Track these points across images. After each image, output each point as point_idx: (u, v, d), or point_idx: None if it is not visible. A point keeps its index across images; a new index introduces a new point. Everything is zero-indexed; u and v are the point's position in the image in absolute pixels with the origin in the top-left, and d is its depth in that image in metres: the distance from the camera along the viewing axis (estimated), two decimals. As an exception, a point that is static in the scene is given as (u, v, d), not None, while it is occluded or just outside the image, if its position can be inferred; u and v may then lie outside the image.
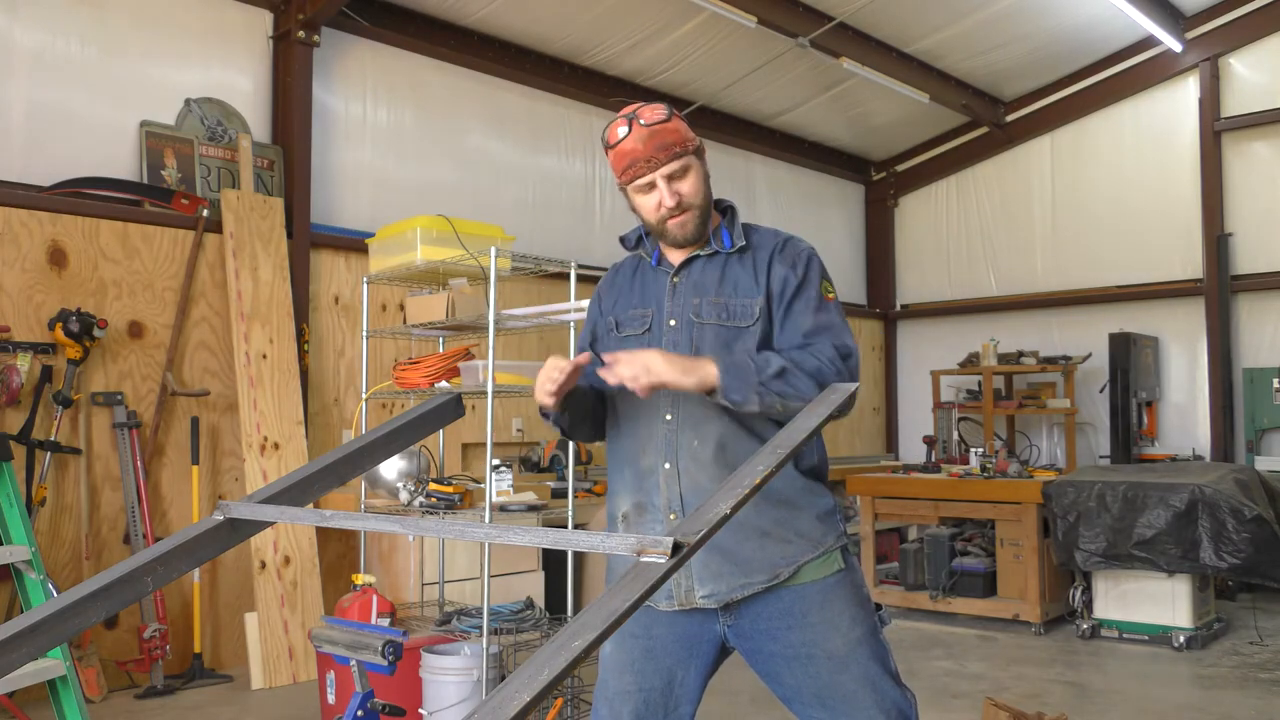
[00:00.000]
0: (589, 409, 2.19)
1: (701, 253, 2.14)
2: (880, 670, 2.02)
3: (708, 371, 1.94)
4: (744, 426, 2.04)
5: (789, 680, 2.04)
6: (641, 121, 2.04)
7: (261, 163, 5.60)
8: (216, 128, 5.48)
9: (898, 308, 10.07)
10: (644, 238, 2.22)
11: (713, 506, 1.38)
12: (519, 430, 6.57)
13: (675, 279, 2.15)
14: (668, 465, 2.07)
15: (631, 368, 1.92)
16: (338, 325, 5.92)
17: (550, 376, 2.01)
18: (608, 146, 2.10)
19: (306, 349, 5.64)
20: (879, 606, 2.13)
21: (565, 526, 4.38)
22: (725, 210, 2.20)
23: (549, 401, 2.04)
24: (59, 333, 4.66)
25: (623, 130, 2.06)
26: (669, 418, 2.08)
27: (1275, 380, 7.66)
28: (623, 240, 2.27)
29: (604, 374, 1.98)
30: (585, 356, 2.06)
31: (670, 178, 2.05)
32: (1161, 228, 8.37)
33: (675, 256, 2.17)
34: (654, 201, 2.07)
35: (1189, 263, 8.24)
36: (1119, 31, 8.01)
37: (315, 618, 5.01)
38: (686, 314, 2.11)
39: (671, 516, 2.06)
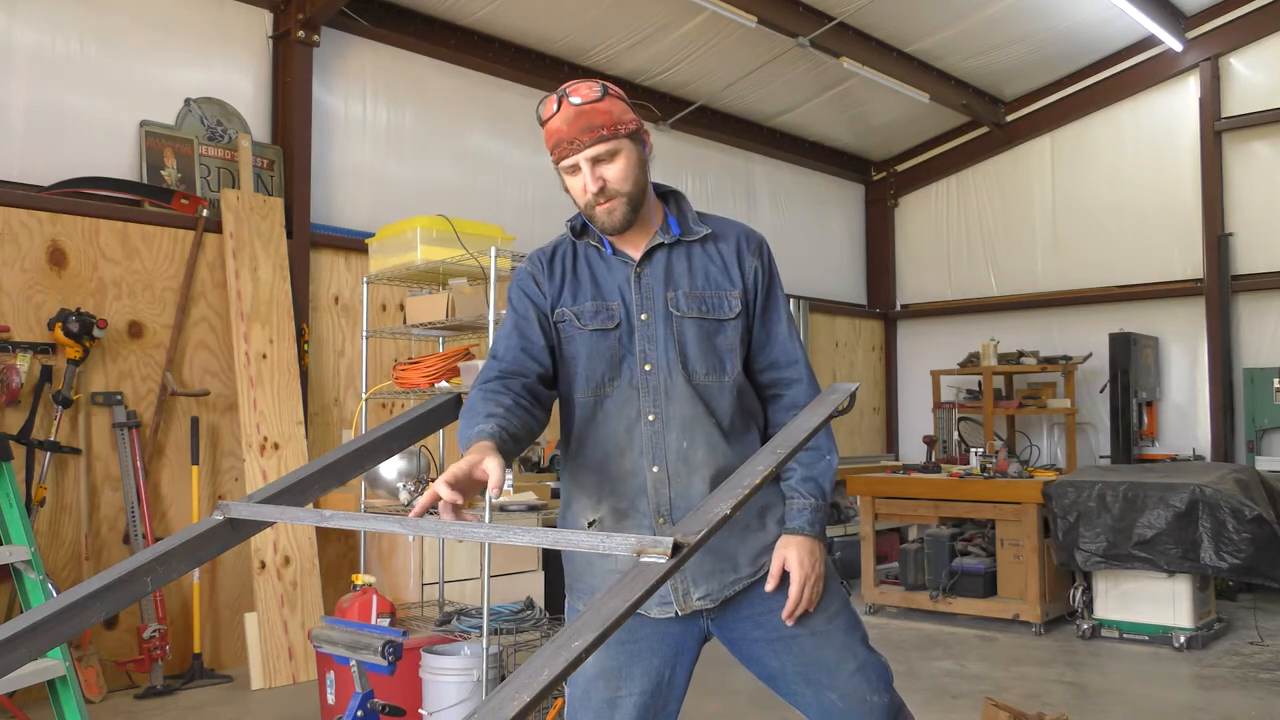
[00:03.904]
0: (518, 449, 1.90)
1: (664, 240, 2.05)
2: (858, 639, 2.06)
3: (819, 546, 2.03)
4: (725, 423, 2.03)
5: (773, 663, 2.04)
6: (572, 100, 1.93)
7: (261, 163, 5.60)
8: (216, 128, 5.48)
9: (898, 308, 10.07)
10: (589, 223, 2.09)
11: (712, 506, 1.38)
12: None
13: (639, 269, 2.04)
14: (656, 468, 1.99)
15: (813, 590, 1.99)
16: (338, 325, 5.92)
17: (445, 506, 1.66)
18: (540, 123, 1.99)
19: (306, 349, 5.64)
20: (840, 581, 2.17)
21: (565, 526, 4.37)
22: (666, 196, 2.11)
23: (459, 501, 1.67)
24: (59, 333, 4.65)
25: (553, 107, 1.95)
26: (652, 418, 2.00)
27: (1275, 380, 7.65)
28: (571, 225, 2.11)
29: (787, 618, 1.99)
30: (480, 467, 1.70)
31: (595, 161, 1.93)
32: (1161, 228, 8.36)
33: (630, 246, 2.06)
34: (579, 185, 1.96)
35: (1189, 263, 8.24)
36: (1119, 31, 8.01)
37: (315, 618, 5.01)
38: (660, 307, 2.02)
39: (660, 521, 1.99)
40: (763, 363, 2.10)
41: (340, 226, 5.97)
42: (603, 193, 1.95)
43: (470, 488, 1.71)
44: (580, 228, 2.11)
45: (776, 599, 2.02)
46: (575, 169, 1.96)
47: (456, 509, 1.65)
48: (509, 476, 3.97)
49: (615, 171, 1.95)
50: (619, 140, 1.94)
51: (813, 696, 2.03)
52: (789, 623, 1.97)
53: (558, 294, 2.07)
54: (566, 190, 2.03)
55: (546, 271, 2.09)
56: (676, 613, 2.03)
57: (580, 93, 1.94)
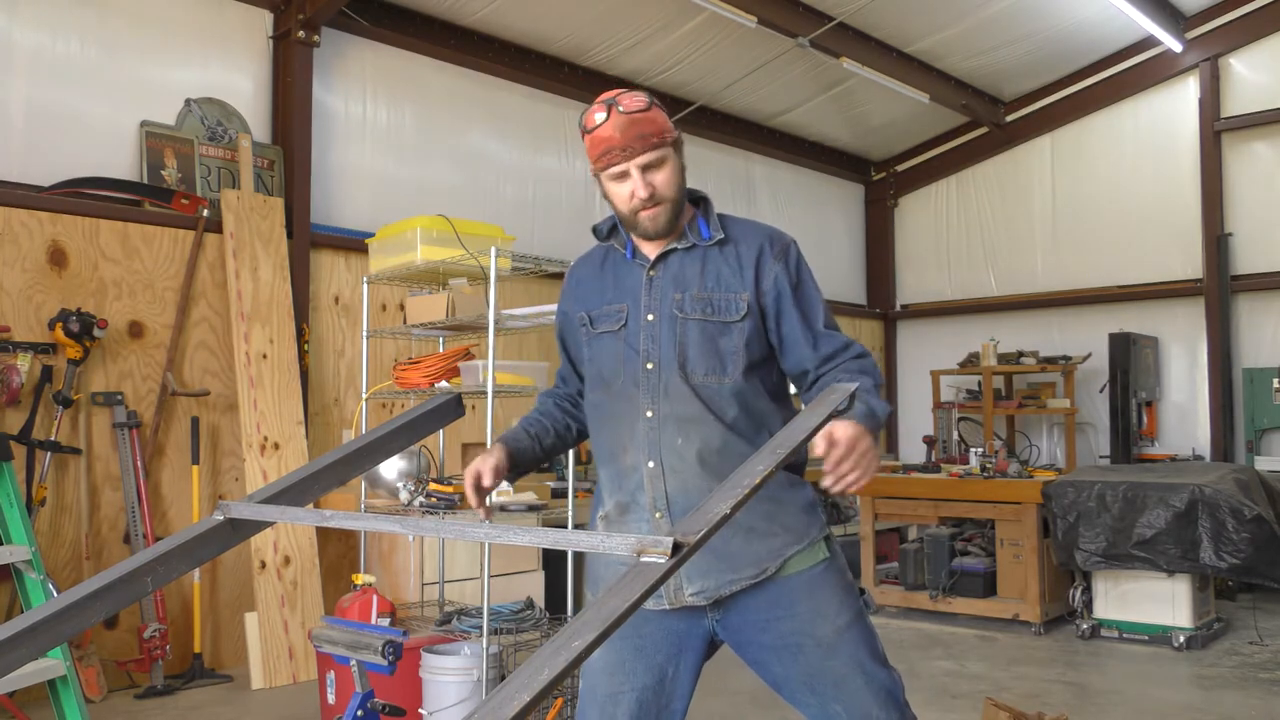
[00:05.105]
0: (540, 453, 2.23)
1: (679, 245, 2.10)
2: (867, 654, 2.04)
3: (868, 433, 1.86)
4: (726, 424, 2.04)
5: (778, 669, 2.05)
6: (620, 108, 1.99)
7: (261, 163, 5.60)
8: (216, 128, 5.48)
9: (898, 308, 10.07)
10: (616, 228, 2.17)
11: (712, 506, 1.38)
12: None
13: (652, 272, 2.10)
14: (651, 464, 2.04)
15: (867, 474, 1.81)
16: (338, 325, 5.92)
17: (471, 497, 2.08)
18: (585, 131, 2.04)
19: (306, 349, 5.64)
20: (862, 591, 2.15)
21: (565, 526, 4.38)
22: (699, 202, 2.16)
23: (481, 505, 2.09)
24: (59, 333, 4.66)
25: (600, 116, 2.00)
26: (649, 415, 2.04)
27: (1275, 380, 7.66)
28: (595, 230, 2.21)
29: (833, 487, 1.80)
30: (495, 459, 2.10)
31: (645, 168, 2.00)
32: (1161, 228, 8.37)
33: (650, 249, 2.12)
34: (627, 191, 2.02)
35: (1189, 263, 8.25)
36: (1119, 31, 8.01)
37: (315, 618, 5.01)
38: (667, 308, 2.07)
39: (658, 515, 2.04)
40: (820, 358, 2.09)
41: (340, 226, 5.97)
42: (652, 198, 2.02)
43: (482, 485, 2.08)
44: (606, 232, 2.19)
45: (784, 605, 2.03)
46: (624, 176, 2.02)
47: (480, 501, 2.08)
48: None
49: (663, 178, 2.03)
50: (666, 148, 2.03)
51: (818, 705, 2.04)
52: (828, 482, 1.82)
53: (580, 301, 2.20)
54: (606, 197, 2.09)
55: (575, 283, 2.24)
56: (667, 606, 2.06)
57: (628, 102, 2.01)
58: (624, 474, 2.08)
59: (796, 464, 2.12)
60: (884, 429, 2.14)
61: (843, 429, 1.81)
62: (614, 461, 2.10)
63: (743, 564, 2.03)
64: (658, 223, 2.05)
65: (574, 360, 2.28)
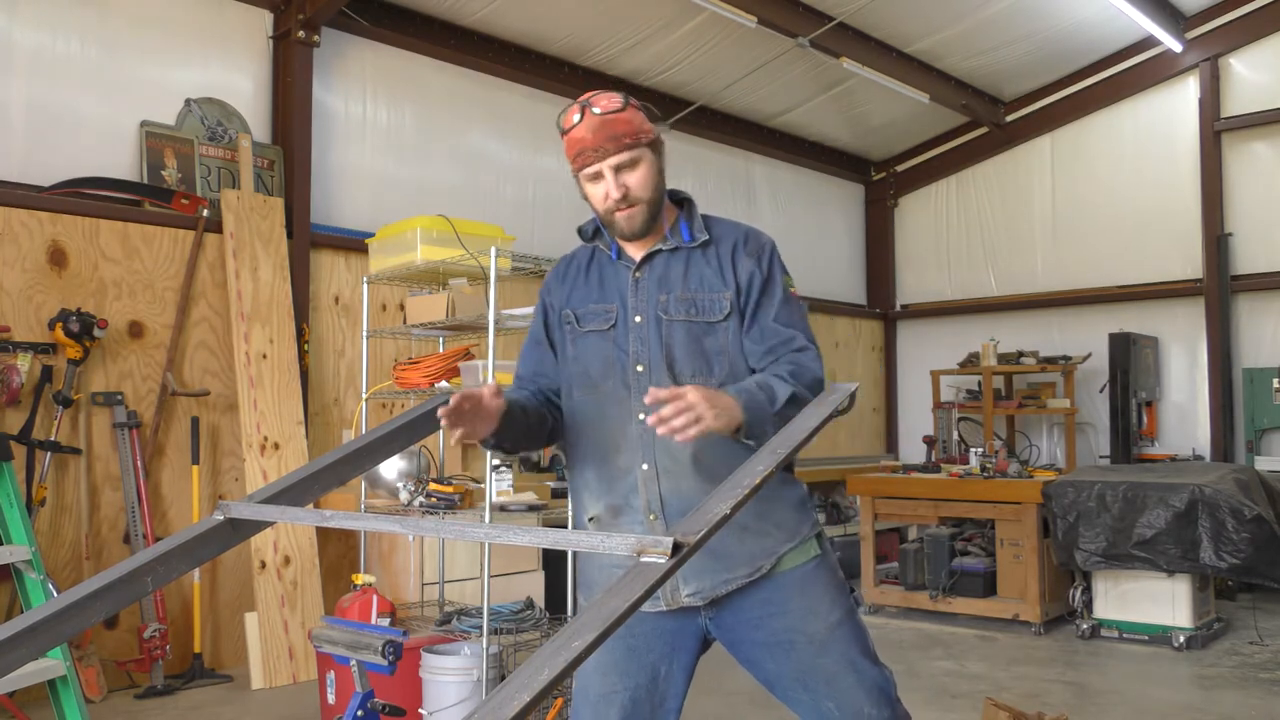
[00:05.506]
0: (523, 426, 2.07)
1: (664, 246, 2.10)
2: (859, 651, 2.05)
3: (735, 413, 1.86)
4: None
5: (771, 666, 2.06)
6: (594, 110, 2.00)
7: (261, 163, 5.60)
8: (216, 128, 5.48)
9: (898, 308, 10.07)
10: (601, 229, 2.17)
11: (712, 506, 1.38)
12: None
13: (637, 274, 2.11)
14: (645, 466, 2.04)
15: (685, 418, 1.78)
16: (338, 325, 5.92)
17: (450, 412, 1.86)
18: (562, 132, 2.06)
19: (306, 349, 5.64)
20: (852, 589, 2.15)
21: (565, 526, 4.38)
22: (682, 203, 2.17)
23: (455, 437, 1.89)
24: (59, 333, 4.66)
25: (575, 117, 2.02)
26: (642, 417, 2.03)
27: (1275, 380, 7.65)
28: (580, 231, 2.21)
29: (655, 425, 1.80)
30: (490, 390, 1.92)
31: (618, 169, 2.01)
32: (1161, 228, 8.37)
33: (635, 250, 2.12)
34: (601, 192, 2.03)
35: (1189, 263, 8.24)
36: (1119, 31, 8.01)
37: (315, 618, 5.01)
38: (653, 310, 2.07)
39: (651, 518, 2.04)
40: (762, 351, 2.08)
41: (340, 226, 5.97)
42: (625, 199, 2.02)
43: (471, 407, 1.89)
44: (591, 233, 2.19)
45: (776, 603, 2.03)
46: (598, 176, 2.03)
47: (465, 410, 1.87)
48: (509, 476, 4.01)
49: (636, 179, 2.03)
50: (640, 149, 2.03)
51: (810, 703, 2.04)
52: (645, 400, 1.85)
53: (566, 298, 2.18)
54: (585, 198, 2.09)
55: (560, 277, 2.22)
56: (664, 607, 2.06)
57: (602, 103, 2.01)
58: (616, 477, 2.07)
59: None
60: (776, 414, 2.04)
61: (694, 393, 1.80)
62: (604, 464, 2.09)
63: (738, 563, 2.03)
64: (633, 224, 2.05)
65: (556, 351, 2.20)
